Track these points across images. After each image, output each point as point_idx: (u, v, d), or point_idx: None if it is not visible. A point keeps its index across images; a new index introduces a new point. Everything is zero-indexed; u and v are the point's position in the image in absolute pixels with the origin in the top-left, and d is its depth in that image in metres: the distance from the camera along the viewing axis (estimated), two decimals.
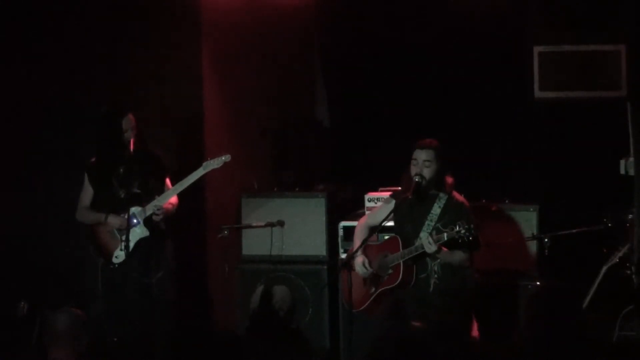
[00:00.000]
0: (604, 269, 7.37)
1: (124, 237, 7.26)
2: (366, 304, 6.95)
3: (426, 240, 6.60)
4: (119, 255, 7.31)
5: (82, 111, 8.18)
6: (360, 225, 7.14)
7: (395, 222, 6.95)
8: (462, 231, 6.50)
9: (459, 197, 6.88)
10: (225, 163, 7.39)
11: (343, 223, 7.89)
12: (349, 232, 7.52)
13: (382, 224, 6.86)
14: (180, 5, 8.16)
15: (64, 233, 8.16)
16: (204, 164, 7.37)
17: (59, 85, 8.17)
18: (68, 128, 8.21)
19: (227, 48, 8.55)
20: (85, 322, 5.49)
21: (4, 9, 7.99)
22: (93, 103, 8.10)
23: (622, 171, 7.54)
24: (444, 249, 6.63)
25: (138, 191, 7.34)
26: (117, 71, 8.13)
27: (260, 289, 6.36)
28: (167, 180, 7.50)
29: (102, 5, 8.12)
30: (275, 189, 8.44)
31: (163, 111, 8.15)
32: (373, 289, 6.92)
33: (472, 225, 6.51)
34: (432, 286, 6.78)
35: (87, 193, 7.47)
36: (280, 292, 6.33)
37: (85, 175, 7.46)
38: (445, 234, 6.57)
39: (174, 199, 7.47)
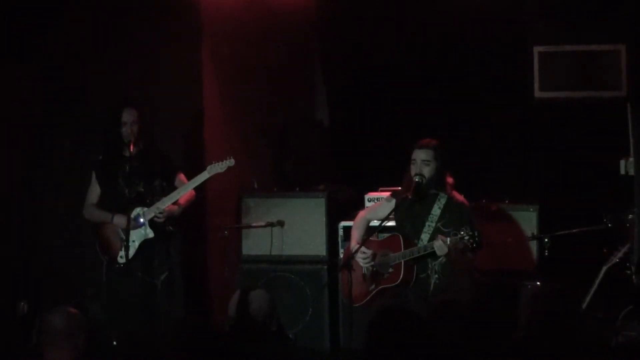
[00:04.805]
0: (604, 269, 7.36)
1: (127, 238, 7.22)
2: (365, 300, 6.95)
3: (439, 244, 6.54)
4: (123, 256, 7.22)
5: (81, 111, 8.19)
6: (359, 218, 7.13)
7: (396, 222, 6.95)
8: (466, 237, 6.46)
9: (459, 197, 6.86)
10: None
11: (343, 223, 7.88)
12: (349, 232, 7.51)
13: (383, 224, 6.83)
14: (180, 5, 8.16)
15: (63, 233, 8.17)
16: (208, 167, 7.31)
17: (59, 85, 8.18)
18: (68, 128, 8.21)
19: (227, 48, 8.54)
20: (82, 322, 5.40)
21: (4, 9, 7.99)
22: (92, 103, 8.12)
23: (622, 171, 7.54)
24: None
25: (142, 190, 7.32)
26: (117, 71, 8.13)
27: (236, 295, 6.22)
28: (182, 176, 7.44)
29: (102, 5, 8.12)
30: (275, 189, 8.44)
31: (163, 111, 8.14)
32: (373, 286, 6.92)
33: (476, 232, 6.47)
34: (432, 286, 6.78)
35: (94, 191, 7.42)
36: (257, 298, 6.17)
37: (93, 172, 7.42)
38: (448, 239, 6.54)
39: (187, 197, 7.43)
